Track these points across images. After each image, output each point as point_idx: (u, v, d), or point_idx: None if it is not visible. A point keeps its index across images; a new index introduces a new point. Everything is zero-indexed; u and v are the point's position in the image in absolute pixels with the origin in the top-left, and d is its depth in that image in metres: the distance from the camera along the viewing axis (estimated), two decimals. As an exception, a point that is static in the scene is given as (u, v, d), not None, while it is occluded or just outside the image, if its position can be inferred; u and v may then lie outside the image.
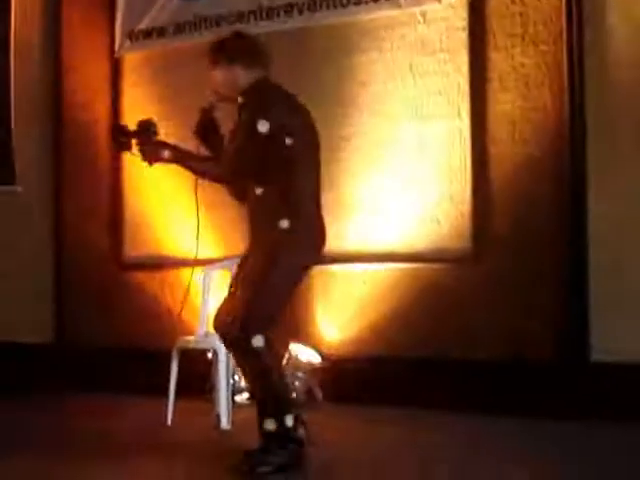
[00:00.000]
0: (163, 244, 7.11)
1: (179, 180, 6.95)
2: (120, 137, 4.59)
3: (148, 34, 7.20)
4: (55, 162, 7.62)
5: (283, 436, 4.25)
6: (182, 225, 7.00)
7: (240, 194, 4.56)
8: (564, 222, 5.65)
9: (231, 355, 4.66)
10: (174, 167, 7.03)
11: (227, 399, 5.45)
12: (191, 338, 5.79)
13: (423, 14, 6.12)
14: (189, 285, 5.08)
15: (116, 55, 7.38)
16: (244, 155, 4.33)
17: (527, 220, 5.77)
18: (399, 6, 6.15)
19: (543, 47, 5.76)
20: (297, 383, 6.22)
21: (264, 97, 4.40)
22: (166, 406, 5.54)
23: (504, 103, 5.87)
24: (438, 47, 6.07)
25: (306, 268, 4.47)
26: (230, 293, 4.56)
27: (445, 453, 4.71)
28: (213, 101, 4.55)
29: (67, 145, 7.60)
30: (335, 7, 6.37)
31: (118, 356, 7.00)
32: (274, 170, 4.32)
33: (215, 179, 4.53)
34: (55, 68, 7.66)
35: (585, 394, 5.51)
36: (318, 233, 4.44)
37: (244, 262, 4.54)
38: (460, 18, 6.00)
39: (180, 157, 4.54)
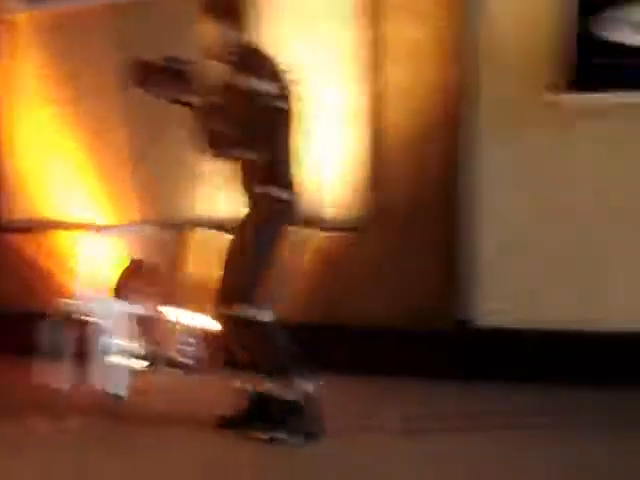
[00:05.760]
0: (42, 207, 6.98)
1: (60, 141, 6.89)
2: (138, 73, 4.30)
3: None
4: None
5: (294, 404, 4.29)
6: (62, 188, 6.91)
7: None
8: (452, 193, 5.81)
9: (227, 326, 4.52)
10: (59, 128, 6.99)
11: (120, 365, 5.42)
12: (80, 303, 5.72)
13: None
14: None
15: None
16: (250, 118, 4.24)
17: (417, 190, 5.89)
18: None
19: (435, 21, 5.85)
20: (190, 349, 6.23)
21: (261, 60, 4.35)
22: (52, 371, 5.46)
23: (396, 75, 5.95)
24: (332, 17, 6.09)
25: (284, 231, 4.44)
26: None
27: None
28: (200, 58, 4.38)
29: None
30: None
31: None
32: (268, 134, 4.28)
33: (221, 141, 4.32)
34: None
35: (467, 358, 5.74)
36: (295, 200, 4.43)
37: (235, 229, 4.47)
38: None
39: (205, 109, 4.32)
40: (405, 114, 5.94)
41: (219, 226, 5.22)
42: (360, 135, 6.04)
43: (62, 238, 6.87)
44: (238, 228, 4.40)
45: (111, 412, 5.04)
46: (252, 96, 4.23)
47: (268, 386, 4.34)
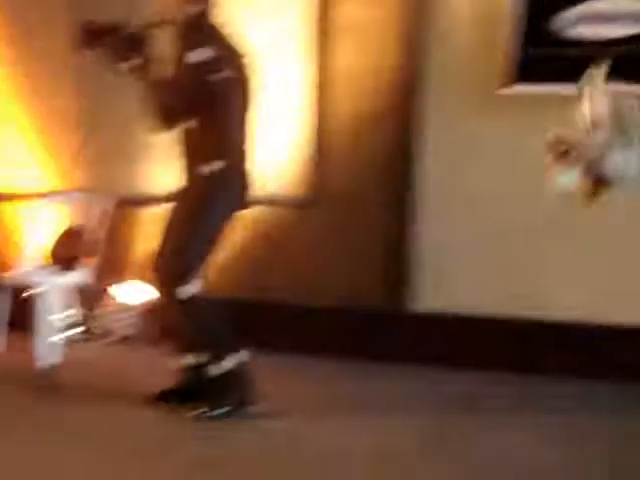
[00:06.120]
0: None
1: (11, 110, 6.81)
2: (88, 34, 4.26)
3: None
4: None
5: (229, 381, 4.26)
6: (8, 157, 6.84)
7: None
8: (397, 175, 5.83)
9: (165, 302, 4.48)
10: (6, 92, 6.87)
11: (53, 335, 5.39)
12: (18, 272, 5.69)
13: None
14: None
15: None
16: (179, 92, 4.21)
17: (363, 171, 5.90)
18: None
19: (389, 4, 5.83)
20: (125, 322, 6.20)
21: (200, 30, 4.29)
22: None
23: (346, 55, 5.93)
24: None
25: (233, 212, 4.41)
26: (164, 236, 4.43)
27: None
28: (155, 21, 4.35)
29: None
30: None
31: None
32: (203, 107, 4.22)
33: (165, 112, 4.28)
34: None
35: (406, 340, 5.76)
36: (245, 178, 4.40)
37: (177, 202, 4.43)
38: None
39: (152, 78, 4.28)
40: (354, 94, 5.93)
41: (167, 200, 5.16)
42: (308, 113, 6.03)
43: (7, 209, 6.79)
44: (184, 202, 4.35)
45: (44, 382, 5.02)
46: (201, 69, 4.19)
47: (202, 361, 4.31)
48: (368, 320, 5.84)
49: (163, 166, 6.00)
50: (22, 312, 5.61)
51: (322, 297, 5.91)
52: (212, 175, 4.28)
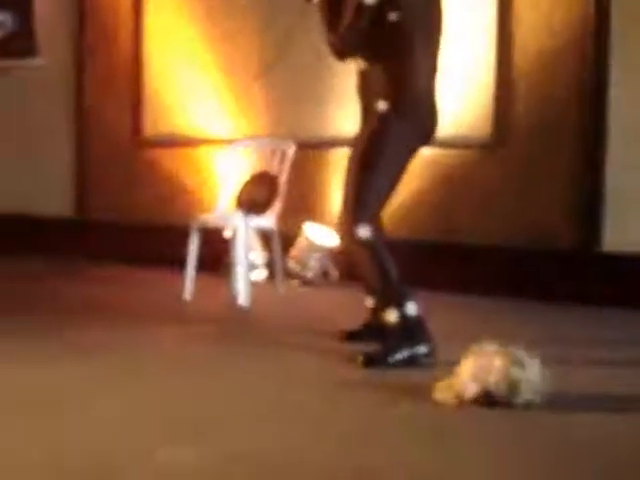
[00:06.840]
0: (183, 122, 7.11)
1: (202, 57, 6.98)
2: None
3: None
4: (78, 34, 7.57)
5: (408, 326, 4.12)
6: (201, 104, 7.02)
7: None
8: (585, 111, 5.68)
9: (345, 243, 4.38)
10: (199, 46, 7.04)
11: (245, 277, 5.51)
12: (210, 216, 5.84)
13: None
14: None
15: None
16: (353, 32, 4.12)
17: (549, 108, 5.78)
18: None
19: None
20: (313, 263, 6.28)
21: None
22: (182, 281, 5.60)
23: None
24: None
25: (412, 151, 4.28)
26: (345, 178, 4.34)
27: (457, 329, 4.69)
28: None
29: (89, 15, 7.53)
30: None
31: (136, 230, 7.11)
32: (378, 46, 4.13)
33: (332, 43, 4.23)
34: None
35: (595, 282, 5.62)
36: (426, 116, 4.25)
37: (356, 144, 4.32)
38: None
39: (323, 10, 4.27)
40: (538, 28, 5.79)
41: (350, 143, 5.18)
42: (488, 52, 5.93)
43: (201, 153, 7.00)
44: (361, 144, 4.23)
45: (235, 321, 5.17)
46: (376, 11, 4.05)
47: (380, 305, 4.25)
48: (554, 260, 5.76)
49: (349, 109, 6.03)
50: (209, 254, 5.80)
51: (505, 236, 5.84)
52: (389, 113, 4.15)
